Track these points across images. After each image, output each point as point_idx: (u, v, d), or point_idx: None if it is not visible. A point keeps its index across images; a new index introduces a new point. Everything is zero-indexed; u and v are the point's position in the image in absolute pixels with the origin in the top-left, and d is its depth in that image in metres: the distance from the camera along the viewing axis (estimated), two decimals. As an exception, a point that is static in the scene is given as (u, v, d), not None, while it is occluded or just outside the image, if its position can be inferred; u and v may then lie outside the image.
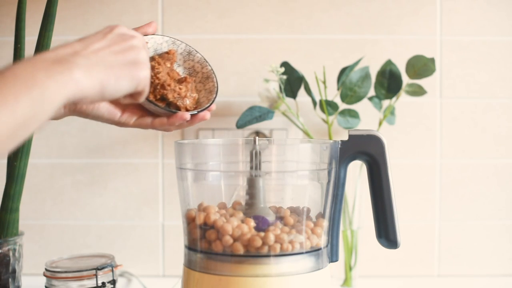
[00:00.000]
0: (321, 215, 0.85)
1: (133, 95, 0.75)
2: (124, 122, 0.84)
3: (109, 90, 0.69)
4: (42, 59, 0.64)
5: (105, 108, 0.83)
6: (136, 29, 0.83)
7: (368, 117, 1.22)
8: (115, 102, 0.83)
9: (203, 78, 0.90)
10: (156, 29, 0.86)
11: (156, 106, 0.82)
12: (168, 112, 0.83)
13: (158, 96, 0.84)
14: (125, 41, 0.73)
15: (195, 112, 0.85)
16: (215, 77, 0.90)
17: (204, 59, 0.90)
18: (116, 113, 0.83)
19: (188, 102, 0.86)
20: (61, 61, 0.65)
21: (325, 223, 0.85)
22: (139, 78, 0.72)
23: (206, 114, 0.85)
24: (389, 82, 1.16)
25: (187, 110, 0.85)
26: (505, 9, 1.26)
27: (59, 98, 0.63)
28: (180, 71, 0.90)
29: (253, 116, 1.13)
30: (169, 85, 0.84)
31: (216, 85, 0.89)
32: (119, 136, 1.28)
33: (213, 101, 0.87)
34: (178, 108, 0.85)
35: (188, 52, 0.90)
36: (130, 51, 0.73)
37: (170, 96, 0.84)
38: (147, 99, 0.81)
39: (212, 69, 0.90)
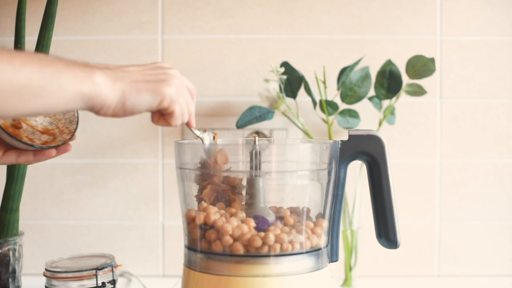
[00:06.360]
0: (321, 215, 0.85)
1: (165, 116, 0.76)
2: None
3: (130, 101, 0.71)
4: (73, 60, 0.68)
5: None
6: None
7: (368, 117, 1.22)
8: None
9: None
10: None
11: (18, 141, 0.79)
12: (32, 148, 0.81)
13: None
14: (161, 69, 0.75)
15: (60, 144, 0.82)
16: None
17: None
18: None
19: (46, 137, 0.84)
20: (88, 67, 0.68)
21: (325, 223, 0.85)
22: (163, 94, 0.73)
23: (68, 147, 0.84)
24: (389, 82, 1.16)
25: (46, 143, 0.83)
26: (505, 9, 1.26)
27: (73, 89, 0.65)
28: None
29: (253, 116, 1.13)
30: (24, 121, 0.82)
31: (76, 114, 0.86)
32: (119, 136, 1.28)
33: (74, 132, 0.84)
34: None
35: None
36: (162, 74, 0.74)
37: (24, 136, 0.82)
38: (6, 132, 0.78)
39: None
